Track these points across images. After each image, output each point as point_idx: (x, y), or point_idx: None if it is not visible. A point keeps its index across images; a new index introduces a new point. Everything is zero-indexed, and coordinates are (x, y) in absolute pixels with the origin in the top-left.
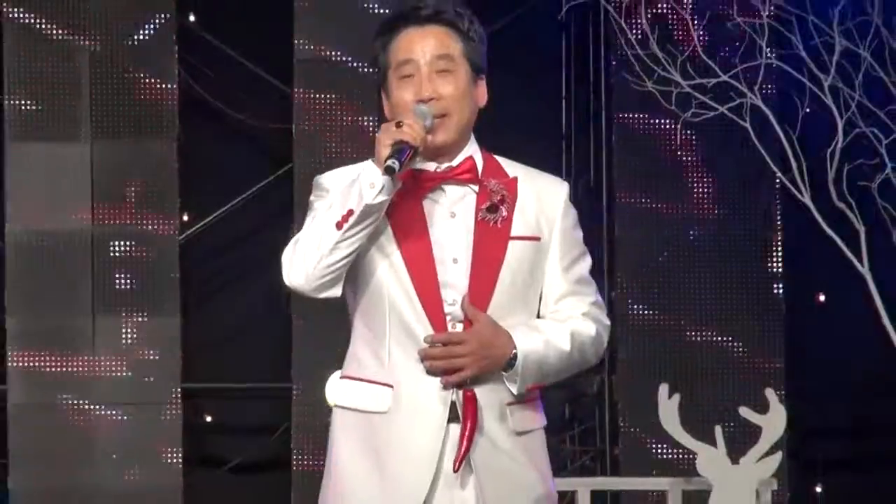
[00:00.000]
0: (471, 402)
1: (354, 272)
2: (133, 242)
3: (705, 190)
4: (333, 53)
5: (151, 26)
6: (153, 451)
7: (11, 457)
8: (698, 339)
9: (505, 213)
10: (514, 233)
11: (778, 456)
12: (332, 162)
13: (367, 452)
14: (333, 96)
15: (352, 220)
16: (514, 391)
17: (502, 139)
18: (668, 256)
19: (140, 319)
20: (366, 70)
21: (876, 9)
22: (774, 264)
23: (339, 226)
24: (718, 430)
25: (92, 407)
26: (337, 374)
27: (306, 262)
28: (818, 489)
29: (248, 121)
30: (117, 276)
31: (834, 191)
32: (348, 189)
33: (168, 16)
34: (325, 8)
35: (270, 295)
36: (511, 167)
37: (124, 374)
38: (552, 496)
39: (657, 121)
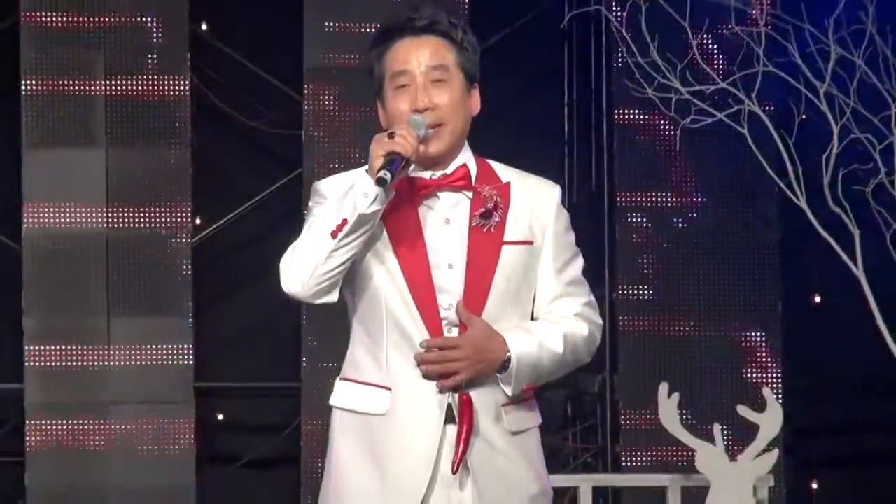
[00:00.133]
0: (467, 405)
1: (352, 278)
2: (147, 245)
3: (704, 194)
4: (343, 59)
5: (165, 35)
6: (167, 448)
7: (28, 454)
8: (697, 339)
9: (498, 219)
10: (507, 238)
11: (775, 453)
12: (341, 166)
13: (365, 453)
14: (342, 103)
15: (346, 229)
16: (509, 393)
17: (507, 143)
18: (668, 258)
19: (153, 320)
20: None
21: (870, 18)
22: (772, 266)
23: (333, 235)
24: (717, 428)
25: (107, 406)
26: None
27: (303, 269)
28: (814, 485)
29: (258, 127)
30: (131, 277)
31: (829, 195)
32: (343, 198)
33: (181, 25)
34: (334, 16)
35: (280, 296)
36: (504, 171)
37: (138, 373)
38: (547, 493)
39: (657, 127)
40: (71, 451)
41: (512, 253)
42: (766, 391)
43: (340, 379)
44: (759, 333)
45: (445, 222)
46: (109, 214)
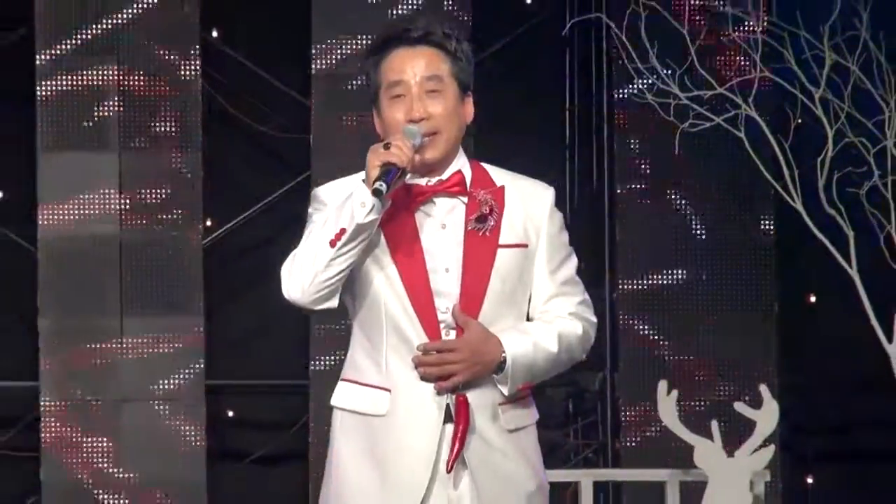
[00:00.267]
0: (463, 406)
1: (352, 282)
2: (158, 246)
3: (702, 196)
4: (349, 66)
5: (177, 42)
6: (178, 445)
7: (43, 450)
8: (696, 337)
9: (493, 223)
10: (502, 241)
11: (771, 449)
12: (347, 170)
13: (366, 453)
14: (348, 108)
15: (344, 238)
16: (506, 392)
17: (510, 146)
18: (667, 259)
19: (165, 320)
20: None
21: (864, 25)
22: (768, 267)
23: (332, 244)
24: (714, 424)
25: (120, 403)
26: None
27: (303, 277)
28: (809, 480)
29: (267, 131)
30: (144, 277)
31: (824, 197)
32: (341, 207)
33: (193, 32)
34: (340, 23)
35: None
36: (498, 175)
37: (150, 371)
38: (544, 488)
39: (656, 131)
40: (85, 446)
41: (507, 256)
42: (763, 388)
43: (341, 380)
44: (755, 332)
45: (442, 227)
46: (122, 216)
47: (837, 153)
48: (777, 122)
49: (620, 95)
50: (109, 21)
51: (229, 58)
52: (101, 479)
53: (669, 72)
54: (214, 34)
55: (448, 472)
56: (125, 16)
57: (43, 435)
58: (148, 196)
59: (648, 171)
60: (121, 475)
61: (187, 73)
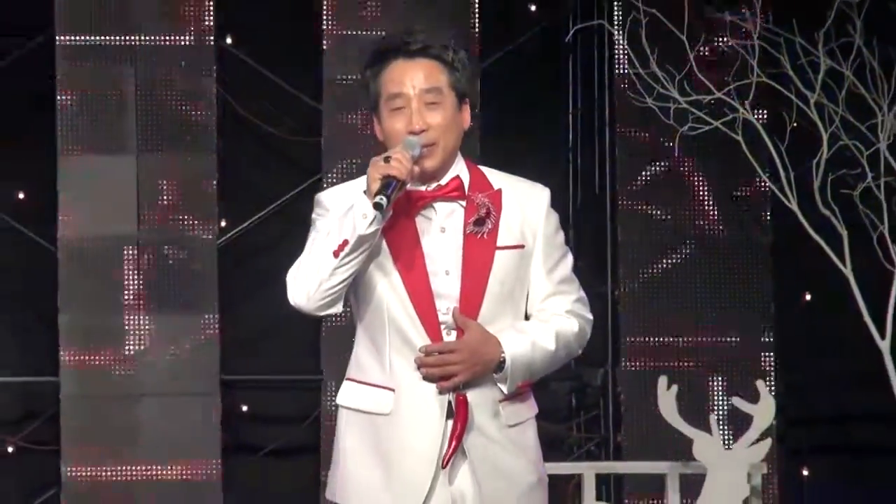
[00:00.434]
0: (463, 405)
1: (355, 286)
2: (175, 246)
3: (701, 197)
4: (360, 71)
5: (193, 48)
6: (194, 439)
7: (63, 444)
8: (694, 334)
9: (491, 225)
10: (500, 243)
11: (767, 442)
12: (357, 172)
13: (371, 450)
14: (359, 112)
15: (347, 249)
16: (505, 391)
17: (515, 149)
18: (666, 258)
19: (181, 317)
20: None
21: (857, 31)
22: (765, 266)
23: (335, 254)
24: (713, 418)
25: (137, 397)
26: None
27: (308, 285)
28: (804, 472)
29: (280, 135)
30: (160, 276)
31: (819, 198)
32: (343, 218)
33: (208, 38)
34: (352, 30)
35: None
36: (496, 178)
37: (167, 366)
38: (543, 481)
39: (656, 134)
40: (103, 441)
41: (505, 257)
42: (760, 383)
43: (346, 379)
44: (752, 329)
45: (441, 231)
46: (140, 217)
47: (832, 156)
48: (773, 126)
49: (622, 100)
50: (127, 28)
51: (243, 63)
52: (118, 472)
53: (669, 77)
54: (228, 40)
55: (443, 467)
56: (142, 23)
57: (63, 429)
58: (164, 197)
59: (648, 173)
60: (138, 468)
61: (202, 78)
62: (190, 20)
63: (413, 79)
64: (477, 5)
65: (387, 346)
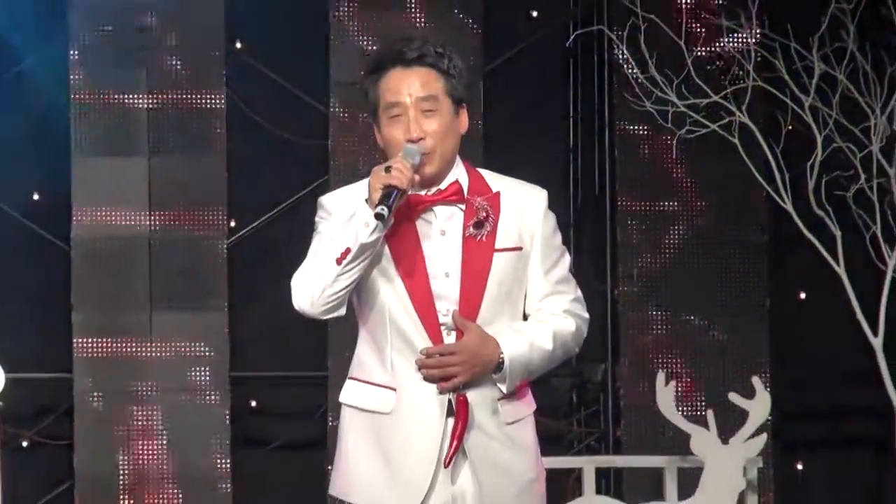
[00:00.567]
0: (463, 405)
1: (358, 288)
2: (185, 245)
3: (698, 198)
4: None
5: (203, 53)
6: (204, 433)
7: (77, 438)
8: (692, 331)
9: (490, 228)
10: (498, 245)
11: (763, 437)
12: (364, 174)
13: (373, 448)
14: (365, 115)
15: (350, 256)
16: (504, 390)
17: (517, 151)
18: (665, 257)
19: (192, 314)
20: None
21: (851, 36)
22: (760, 265)
23: (338, 261)
24: (710, 413)
25: (149, 393)
26: None
27: (312, 290)
28: (799, 466)
29: (288, 137)
30: (171, 275)
31: (813, 199)
32: (346, 225)
33: (217, 43)
34: (358, 34)
35: None
36: (494, 181)
37: (178, 363)
38: (541, 476)
39: (655, 137)
40: (116, 435)
41: (503, 259)
42: (756, 380)
43: (349, 378)
44: (748, 326)
45: (441, 234)
46: (151, 217)
47: (826, 158)
48: (769, 129)
49: (621, 103)
50: (140, 34)
51: (251, 68)
52: (130, 465)
53: (667, 81)
54: (238, 45)
55: (446, 466)
56: (155, 29)
57: (76, 424)
58: (175, 198)
59: (647, 175)
60: (149, 462)
61: (212, 82)
62: (201, 26)
63: (410, 87)
64: (481, 11)
65: (388, 346)
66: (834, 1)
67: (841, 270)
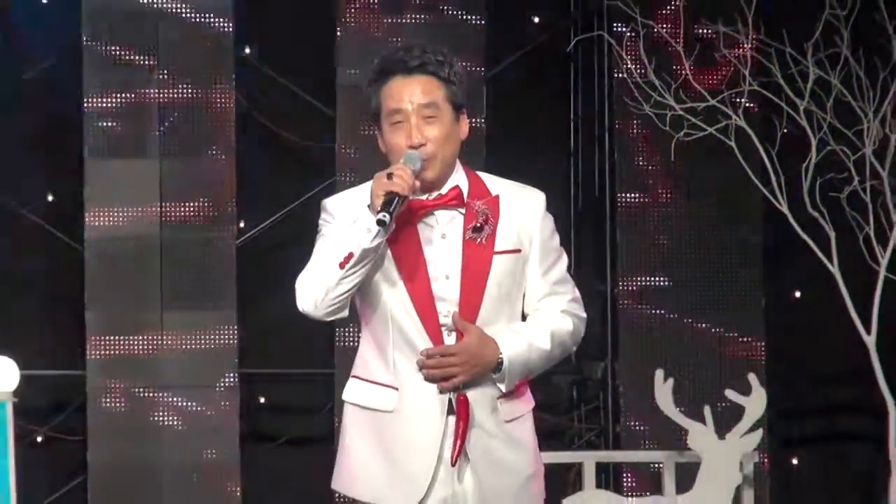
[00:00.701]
0: (463, 404)
1: (361, 290)
2: (196, 245)
3: (696, 199)
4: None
5: (213, 57)
6: (214, 429)
7: (90, 434)
8: (690, 329)
9: (489, 231)
10: (497, 248)
11: (759, 432)
12: (370, 176)
13: (375, 445)
14: (370, 118)
15: (352, 261)
16: (503, 390)
17: (520, 154)
18: (664, 257)
19: (202, 313)
20: None
21: (844, 42)
22: (756, 265)
23: (341, 266)
24: (707, 409)
25: (160, 390)
26: None
27: (315, 293)
28: (794, 461)
29: (296, 140)
30: (182, 274)
31: (808, 201)
32: (349, 230)
33: (227, 48)
34: (363, 38)
35: None
36: (494, 184)
37: (188, 360)
38: (540, 471)
39: (654, 140)
40: (127, 430)
41: (502, 261)
42: (752, 376)
43: (352, 377)
44: (745, 325)
45: (442, 237)
46: (162, 218)
47: (820, 160)
48: (765, 132)
49: (620, 107)
50: (152, 40)
51: (261, 72)
52: (142, 460)
53: (665, 86)
54: (247, 51)
55: (453, 465)
56: (167, 35)
57: (89, 419)
58: (186, 200)
59: (646, 177)
60: (161, 456)
61: (222, 86)
62: (212, 32)
63: (411, 95)
64: (485, 17)
65: (390, 346)
66: (828, 7)
67: (835, 270)
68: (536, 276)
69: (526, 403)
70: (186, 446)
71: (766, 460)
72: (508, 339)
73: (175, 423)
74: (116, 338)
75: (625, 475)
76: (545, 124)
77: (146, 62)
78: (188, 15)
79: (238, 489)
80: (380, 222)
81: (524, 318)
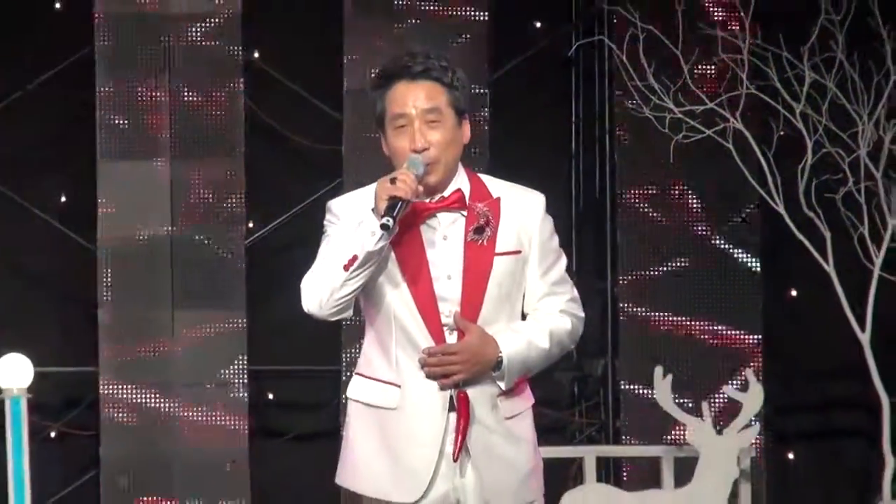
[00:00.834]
0: (464, 402)
1: (365, 290)
2: (206, 246)
3: (695, 200)
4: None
5: (222, 61)
6: (224, 424)
7: (102, 429)
8: (689, 327)
9: (490, 233)
10: (498, 249)
11: (756, 427)
12: (376, 178)
13: (378, 441)
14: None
15: (356, 263)
16: (503, 388)
17: (522, 156)
18: (663, 256)
19: (212, 311)
20: None
21: (839, 46)
22: (753, 264)
23: (345, 268)
24: (705, 405)
25: (171, 386)
26: None
27: (320, 294)
28: (790, 456)
29: (303, 142)
30: (192, 274)
31: (804, 201)
32: (354, 233)
33: (236, 53)
34: (370, 43)
35: None
36: (495, 186)
37: (199, 357)
38: (539, 468)
39: (653, 142)
40: (139, 426)
41: (503, 263)
42: (749, 373)
43: (356, 374)
44: (742, 323)
45: (444, 239)
46: (173, 219)
47: (816, 162)
48: (762, 134)
49: (620, 110)
50: (163, 44)
51: (269, 76)
52: (154, 454)
53: (665, 89)
54: (256, 55)
55: (455, 461)
56: (177, 39)
57: (102, 415)
58: (196, 201)
59: (646, 178)
60: (172, 451)
61: (231, 90)
62: (221, 36)
63: (415, 100)
64: (488, 23)
65: (393, 345)
66: (823, 13)
67: (830, 269)
68: (536, 277)
69: (525, 400)
70: (197, 442)
71: (762, 455)
72: (508, 338)
73: (186, 419)
74: (128, 336)
75: (625, 469)
76: (547, 127)
77: (157, 66)
78: (198, 20)
79: (247, 483)
80: (383, 227)
81: (524, 317)
